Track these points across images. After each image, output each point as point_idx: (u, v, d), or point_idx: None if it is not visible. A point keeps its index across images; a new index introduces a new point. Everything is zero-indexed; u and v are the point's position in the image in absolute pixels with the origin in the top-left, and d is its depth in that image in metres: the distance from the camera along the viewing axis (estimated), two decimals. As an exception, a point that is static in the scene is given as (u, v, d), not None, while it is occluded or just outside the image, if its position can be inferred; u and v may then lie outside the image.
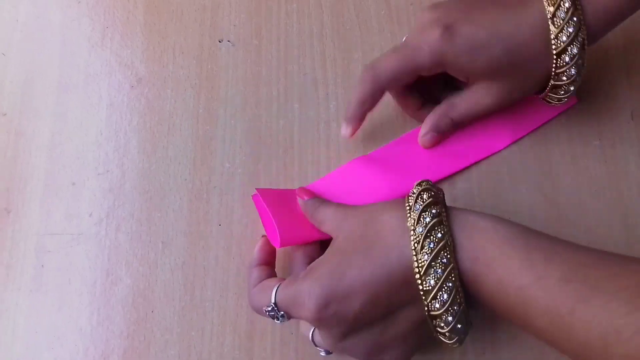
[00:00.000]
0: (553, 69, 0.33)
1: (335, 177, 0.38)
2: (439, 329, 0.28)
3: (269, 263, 0.34)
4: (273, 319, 0.31)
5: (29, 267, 0.37)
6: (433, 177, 0.37)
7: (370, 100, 0.35)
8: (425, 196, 0.29)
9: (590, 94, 0.40)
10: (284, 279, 0.31)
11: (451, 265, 0.27)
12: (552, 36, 0.31)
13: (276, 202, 0.35)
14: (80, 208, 0.38)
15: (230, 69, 0.41)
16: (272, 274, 0.33)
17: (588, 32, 0.32)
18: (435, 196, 0.29)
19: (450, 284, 0.27)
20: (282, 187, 0.38)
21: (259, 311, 0.31)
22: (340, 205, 0.34)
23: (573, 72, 0.32)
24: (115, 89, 0.41)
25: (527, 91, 0.35)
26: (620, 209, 0.37)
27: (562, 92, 0.34)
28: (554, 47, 0.32)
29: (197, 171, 0.39)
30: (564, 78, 0.33)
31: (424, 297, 0.27)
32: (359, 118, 0.35)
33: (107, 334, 0.36)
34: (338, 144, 0.39)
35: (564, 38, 0.31)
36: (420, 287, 0.27)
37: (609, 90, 0.40)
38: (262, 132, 0.39)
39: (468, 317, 0.28)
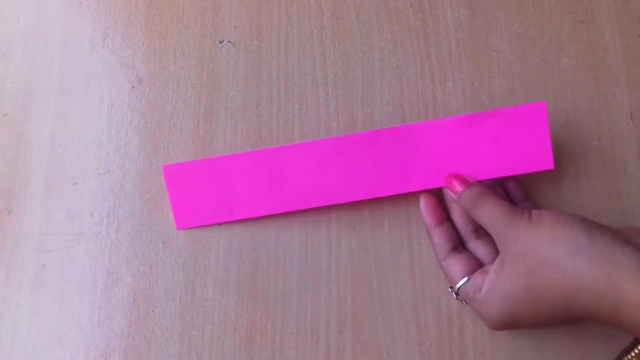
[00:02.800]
0: None
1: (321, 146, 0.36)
2: None
3: (441, 221, 0.35)
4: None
5: (30, 267, 0.37)
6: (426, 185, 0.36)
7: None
8: None
9: (589, 94, 0.40)
10: (471, 261, 0.34)
11: None
12: None
13: (182, 179, 0.35)
14: (81, 208, 0.38)
15: (231, 69, 0.41)
16: (450, 232, 0.35)
17: None
18: None
19: None
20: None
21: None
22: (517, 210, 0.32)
23: None
24: (116, 89, 0.41)
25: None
26: (620, 209, 0.37)
27: None
28: None
29: (198, 171, 0.39)
30: None
31: None
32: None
33: (108, 333, 0.36)
34: (338, 144, 0.39)
35: None
36: None
37: (608, 91, 0.40)
38: (262, 132, 0.40)
39: None
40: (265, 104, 0.40)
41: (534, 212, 0.31)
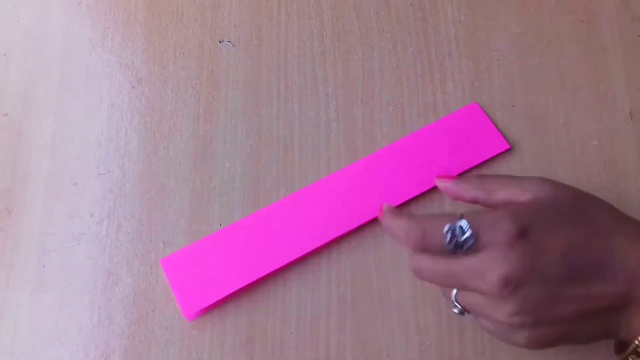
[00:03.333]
0: None
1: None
2: None
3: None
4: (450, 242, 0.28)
5: (30, 267, 0.37)
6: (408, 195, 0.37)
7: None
8: None
9: (589, 94, 0.40)
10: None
11: None
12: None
13: (180, 268, 0.36)
14: (81, 208, 0.38)
15: (231, 69, 0.41)
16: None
17: None
18: None
19: None
20: (281, 186, 0.38)
21: (430, 237, 0.28)
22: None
23: None
24: (116, 89, 0.41)
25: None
26: (620, 209, 0.37)
27: None
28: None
29: (198, 171, 0.39)
30: None
31: None
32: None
33: (108, 333, 0.36)
34: (338, 144, 0.39)
35: None
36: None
37: (608, 91, 0.40)
38: (262, 132, 0.40)
39: None
40: (265, 104, 0.40)
41: None
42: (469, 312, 0.30)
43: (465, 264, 0.27)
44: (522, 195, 0.30)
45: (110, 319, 0.36)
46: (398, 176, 0.38)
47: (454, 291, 0.29)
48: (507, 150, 0.38)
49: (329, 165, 0.39)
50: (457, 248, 0.27)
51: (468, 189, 0.32)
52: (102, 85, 0.41)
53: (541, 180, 0.30)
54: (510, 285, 0.26)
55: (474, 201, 0.32)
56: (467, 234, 0.27)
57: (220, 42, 0.42)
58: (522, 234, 0.27)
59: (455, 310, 0.30)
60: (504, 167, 0.38)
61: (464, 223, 0.27)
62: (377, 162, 0.38)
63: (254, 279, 0.35)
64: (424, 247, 0.29)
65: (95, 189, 0.39)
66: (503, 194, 0.30)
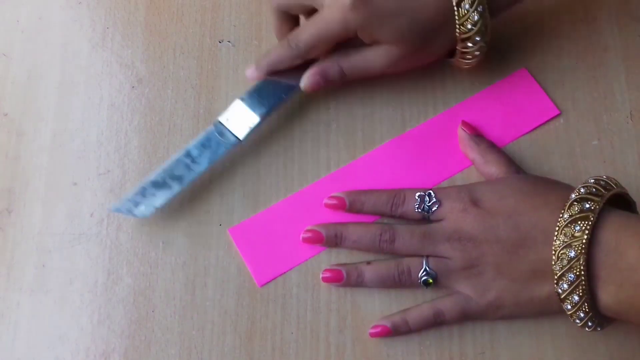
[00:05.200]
0: (457, 36, 0.35)
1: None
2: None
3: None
4: None
5: (31, 267, 0.37)
6: (423, 184, 0.38)
7: (287, 64, 0.37)
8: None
9: (589, 93, 0.40)
10: None
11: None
12: (454, 3, 0.34)
13: (250, 236, 0.37)
14: (81, 208, 0.38)
15: (231, 69, 0.41)
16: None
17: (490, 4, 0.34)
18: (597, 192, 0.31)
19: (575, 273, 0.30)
20: (281, 186, 0.38)
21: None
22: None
23: (477, 39, 0.35)
24: (116, 89, 0.41)
25: (424, 59, 0.37)
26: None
27: (470, 58, 0.36)
28: (456, 16, 0.34)
29: (198, 171, 0.39)
30: (470, 45, 0.35)
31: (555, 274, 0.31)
32: (268, 72, 0.37)
33: (108, 333, 0.36)
34: (338, 144, 0.39)
35: (467, 6, 0.33)
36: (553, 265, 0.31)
37: (608, 90, 0.40)
38: (262, 132, 0.40)
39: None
40: (265, 104, 0.40)
41: None
42: (434, 282, 0.34)
43: (432, 227, 0.35)
44: (503, 174, 0.36)
45: (110, 318, 0.36)
46: (447, 148, 0.39)
47: (423, 266, 0.35)
48: (507, 148, 0.38)
49: (329, 165, 0.39)
50: (425, 211, 0.35)
51: (473, 148, 0.38)
52: (102, 85, 0.41)
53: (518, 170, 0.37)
54: (466, 241, 0.33)
55: (472, 161, 0.38)
56: (433, 200, 0.35)
57: (220, 42, 0.42)
58: (474, 203, 0.34)
59: (424, 279, 0.34)
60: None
61: (431, 193, 0.35)
62: (428, 131, 0.39)
63: (316, 251, 0.37)
64: (402, 212, 0.36)
65: (96, 189, 0.39)
66: (493, 169, 0.36)
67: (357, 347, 0.35)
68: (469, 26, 0.34)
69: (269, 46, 0.41)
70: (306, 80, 0.37)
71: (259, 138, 0.39)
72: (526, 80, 0.40)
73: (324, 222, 0.37)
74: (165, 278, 0.37)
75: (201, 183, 0.38)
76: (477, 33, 0.34)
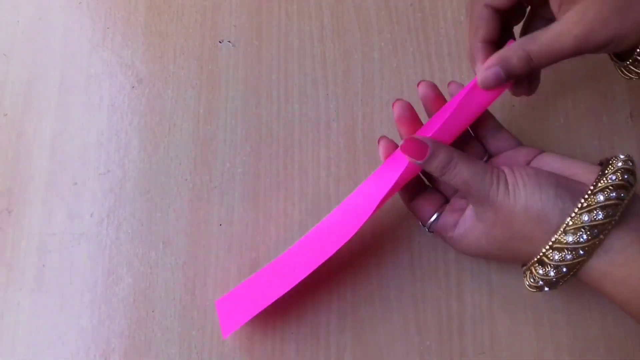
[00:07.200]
0: None
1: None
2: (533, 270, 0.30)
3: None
4: None
5: (31, 267, 0.37)
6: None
7: (483, 28, 0.32)
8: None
9: (589, 94, 0.40)
10: (435, 198, 0.35)
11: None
12: None
13: (230, 307, 0.35)
14: (81, 208, 0.38)
15: (231, 69, 0.41)
16: None
17: None
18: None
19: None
20: (281, 186, 0.38)
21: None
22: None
23: None
24: (116, 89, 0.41)
25: (621, 28, 0.28)
26: (620, 209, 0.37)
27: None
28: None
29: (198, 171, 0.39)
30: None
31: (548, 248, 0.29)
32: (480, 49, 0.32)
33: (108, 333, 0.36)
34: (338, 144, 0.39)
35: None
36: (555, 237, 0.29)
37: (608, 90, 0.40)
38: (262, 132, 0.40)
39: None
40: (265, 104, 0.40)
41: (510, 181, 0.30)
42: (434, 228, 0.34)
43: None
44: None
45: (110, 318, 0.36)
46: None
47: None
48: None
49: (329, 165, 0.39)
50: None
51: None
52: (102, 85, 0.41)
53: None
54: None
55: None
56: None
57: (220, 42, 0.42)
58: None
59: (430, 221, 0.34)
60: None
61: None
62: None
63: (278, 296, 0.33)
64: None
65: (95, 189, 0.39)
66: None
67: (357, 347, 0.35)
68: None
69: (269, 46, 0.41)
70: (484, 77, 0.31)
71: (259, 138, 0.39)
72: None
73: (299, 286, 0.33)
74: (166, 278, 0.37)
75: (201, 183, 0.38)
76: None
